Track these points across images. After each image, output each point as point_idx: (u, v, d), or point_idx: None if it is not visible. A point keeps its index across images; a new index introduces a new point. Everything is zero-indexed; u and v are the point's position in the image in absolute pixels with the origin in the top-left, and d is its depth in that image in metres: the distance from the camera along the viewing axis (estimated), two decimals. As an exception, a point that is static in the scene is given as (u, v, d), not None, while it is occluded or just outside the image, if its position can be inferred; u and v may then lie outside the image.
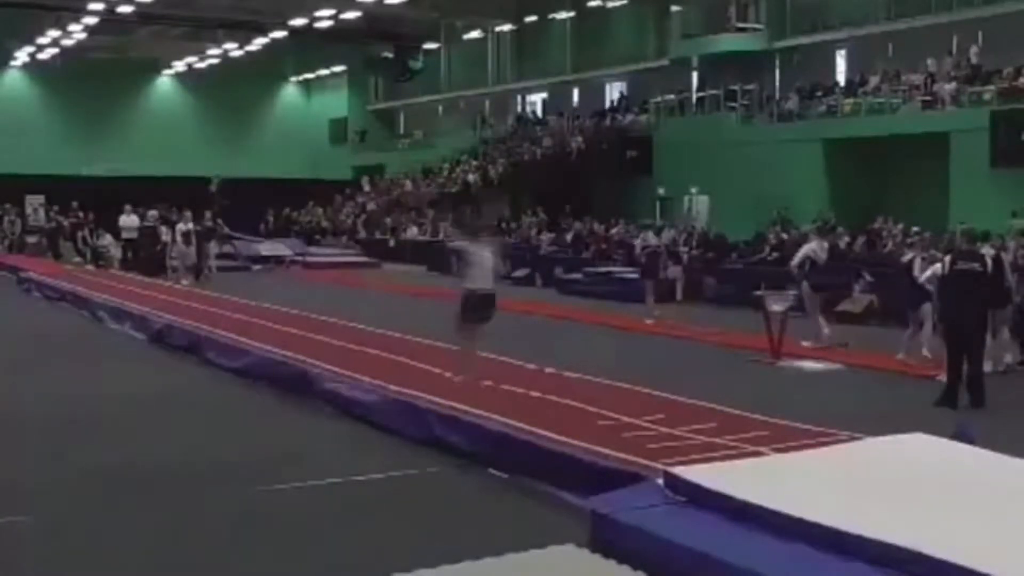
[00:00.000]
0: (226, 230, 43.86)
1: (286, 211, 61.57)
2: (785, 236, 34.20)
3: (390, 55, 66.36)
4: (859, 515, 8.20)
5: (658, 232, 30.91)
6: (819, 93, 44.94)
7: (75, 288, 29.49)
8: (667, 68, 51.83)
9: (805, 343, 21.38)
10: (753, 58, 47.91)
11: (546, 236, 43.90)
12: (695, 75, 51.71)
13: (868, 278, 26.99)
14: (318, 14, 56.82)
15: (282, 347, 18.21)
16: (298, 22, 58.66)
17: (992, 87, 37.71)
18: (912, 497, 8.93)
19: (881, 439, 10.83)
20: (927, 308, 18.52)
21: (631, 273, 32.54)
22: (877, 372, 18.78)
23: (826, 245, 22.97)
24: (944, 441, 10.65)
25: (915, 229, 30.85)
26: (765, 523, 8.39)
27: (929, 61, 40.86)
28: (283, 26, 60.14)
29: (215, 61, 69.66)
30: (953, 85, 39.06)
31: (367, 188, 65.50)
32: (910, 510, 8.56)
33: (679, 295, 31.22)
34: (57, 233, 46.95)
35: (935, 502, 8.81)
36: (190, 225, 36.58)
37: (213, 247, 38.85)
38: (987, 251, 17.30)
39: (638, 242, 29.85)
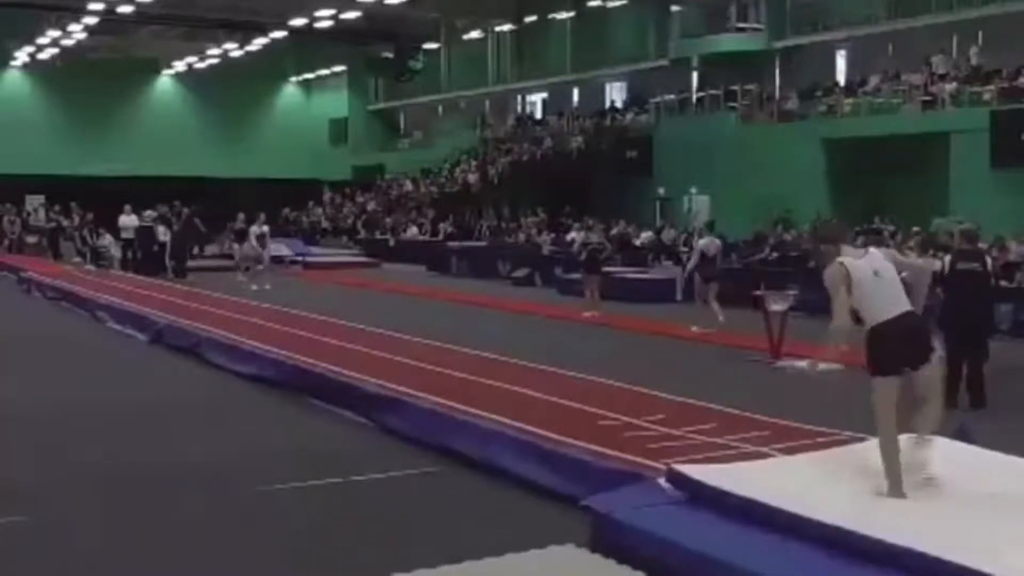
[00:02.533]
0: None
1: (286, 211, 61.68)
2: (787, 237, 34.22)
3: (390, 55, 66.48)
4: (860, 514, 8.22)
5: (659, 231, 31.07)
6: (819, 93, 44.96)
7: (75, 288, 29.50)
8: (667, 68, 51.77)
9: (694, 328, 23.93)
10: (753, 58, 47.88)
11: (576, 235, 43.89)
12: (695, 75, 51.69)
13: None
14: (318, 14, 56.84)
15: (282, 348, 18.22)
16: (298, 22, 58.72)
17: (992, 87, 37.72)
18: (913, 497, 8.95)
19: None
20: None
21: (632, 272, 32.59)
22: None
23: (718, 242, 25.89)
24: (946, 441, 10.64)
25: (915, 229, 30.96)
26: (766, 522, 8.40)
27: (934, 59, 40.89)
28: (283, 26, 60.23)
29: (215, 61, 69.65)
30: (953, 85, 39.08)
31: (327, 195, 65.30)
32: (912, 509, 8.58)
33: (679, 295, 31.23)
34: (57, 233, 47.01)
35: (937, 501, 8.82)
36: (264, 228, 36.36)
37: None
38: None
39: (580, 239, 30.11)
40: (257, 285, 33.41)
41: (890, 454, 9.15)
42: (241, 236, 37.19)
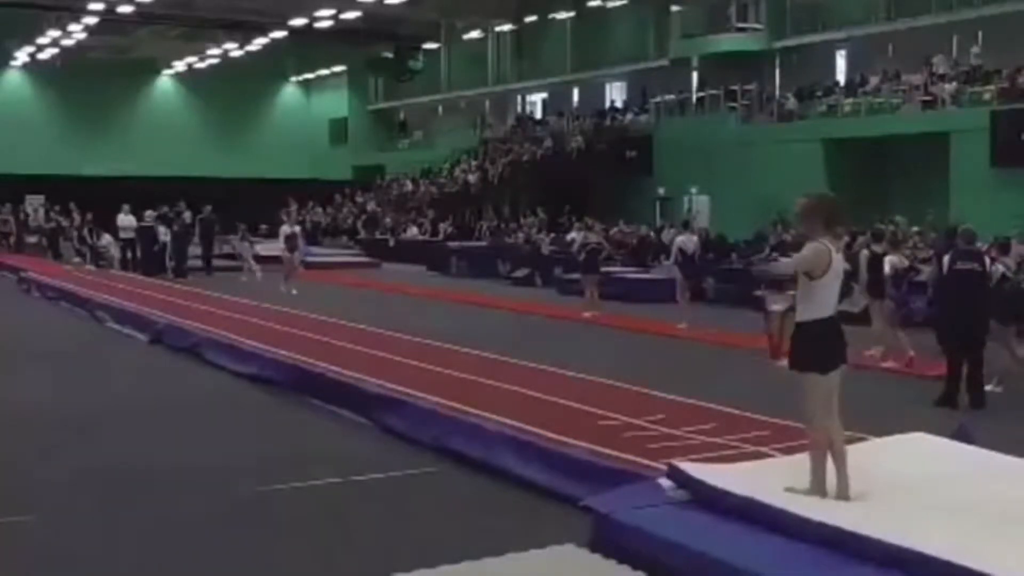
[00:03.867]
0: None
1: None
2: (787, 237, 34.15)
3: (390, 55, 66.42)
4: (862, 515, 8.22)
5: (659, 231, 31.06)
6: (819, 93, 44.94)
7: (75, 288, 29.48)
8: (667, 68, 51.83)
9: (680, 326, 24.70)
10: (753, 58, 47.93)
11: (576, 235, 43.62)
12: (695, 75, 51.69)
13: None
14: (318, 14, 56.85)
15: (282, 348, 18.22)
16: (298, 22, 58.73)
17: (992, 87, 37.71)
18: (914, 497, 8.94)
19: (883, 439, 10.82)
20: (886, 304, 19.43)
21: (633, 273, 32.50)
22: (875, 372, 18.76)
23: (695, 239, 26.95)
24: (945, 441, 10.65)
25: (915, 229, 30.93)
26: (766, 522, 8.41)
27: (934, 59, 40.91)
28: (283, 26, 60.24)
29: (215, 61, 69.68)
30: (953, 85, 39.07)
31: (293, 206, 64.37)
32: (912, 510, 8.57)
33: (679, 295, 31.22)
34: (57, 233, 46.99)
35: (937, 502, 8.81)
36: (296, 228, 35.18)
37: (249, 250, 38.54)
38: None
39: (580, 239, 29.92)
40: (285, 288, 31.56)
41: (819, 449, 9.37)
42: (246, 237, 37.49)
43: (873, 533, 7.79)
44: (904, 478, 9.39)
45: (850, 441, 11.03)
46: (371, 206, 60.85)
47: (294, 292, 31.09)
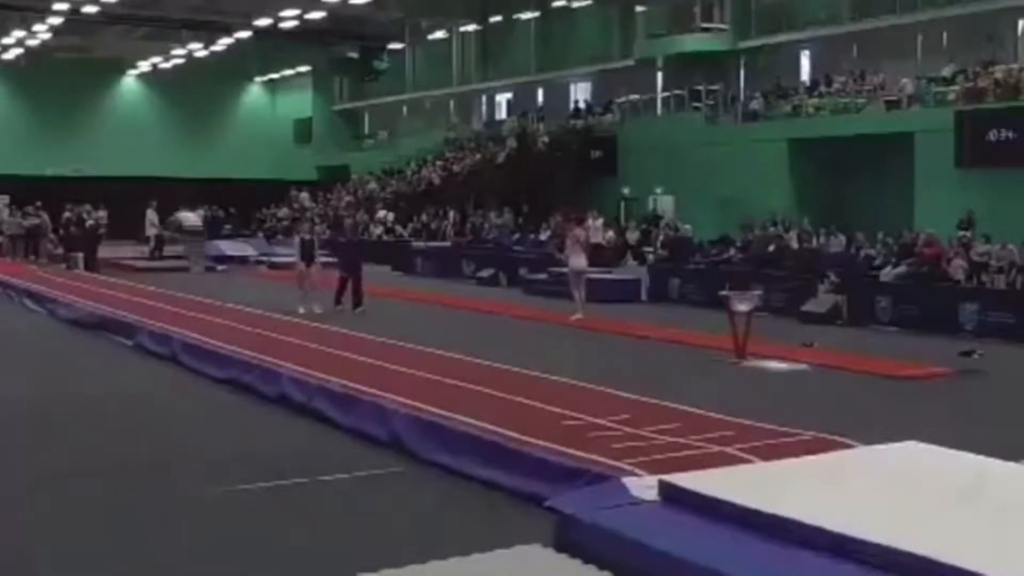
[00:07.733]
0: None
1: (260, 213, 61.65)
2: (751, 237, 34.34)
3: (355, 55, 66.45)
4: (852, 519, 8.16)
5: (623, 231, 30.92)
6: (784, 93, 44.93)
7: (39, 289, 29.37)
8: (632, 68, 51.82)
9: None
10: (718, 58, 47.99)
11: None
12: (660, 75, 51.67)
13: (833, 278, 27.04)
14: (283, 14, 56.71)
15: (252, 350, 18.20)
16: (263, 22, 58.55)
17: (956, 87, 37.79)
18: (907, 502, 8.84)
19: (874, 447, 10.78)
20: None
21: (597, 273, 32.49)
22: (842, 372, 18.83)
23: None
24: (938, 449, 10.59)
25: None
26: (731, 521, 8.42)
27: (898, 60, 41.08)
28: (248, 26, 60.10)
29: (180, 61, 69.41)
30: (917, 84, 39.17)
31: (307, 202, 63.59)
32: (904, 514, 8.47)
33: (644, 296, 31.27)
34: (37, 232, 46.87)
35: (931, 507, 8.71)
36: (311, 235, 28.84)
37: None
38: None
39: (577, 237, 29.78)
40: (305, 307, 26.31)
41: None
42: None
43: (850, 532, 7.77)
44: (896, 484, 9.33)
45: (814, 441, 11.11)
46: (306, 202, 60.89)
47: (318, 311, 26.04)
